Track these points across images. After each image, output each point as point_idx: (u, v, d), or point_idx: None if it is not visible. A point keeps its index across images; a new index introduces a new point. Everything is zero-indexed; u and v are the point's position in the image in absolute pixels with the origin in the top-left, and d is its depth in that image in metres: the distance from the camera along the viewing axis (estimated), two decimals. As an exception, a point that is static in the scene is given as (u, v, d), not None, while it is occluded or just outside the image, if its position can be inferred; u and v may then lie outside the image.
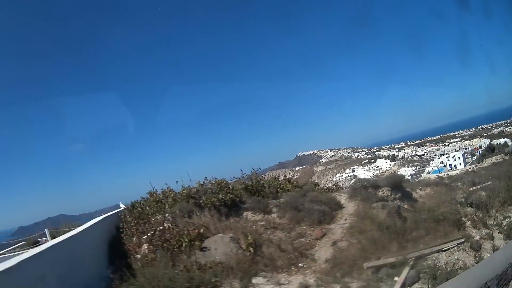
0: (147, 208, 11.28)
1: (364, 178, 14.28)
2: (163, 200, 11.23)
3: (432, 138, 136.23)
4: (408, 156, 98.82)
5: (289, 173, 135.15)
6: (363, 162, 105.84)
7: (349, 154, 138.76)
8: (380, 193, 10.81)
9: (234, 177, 14.20)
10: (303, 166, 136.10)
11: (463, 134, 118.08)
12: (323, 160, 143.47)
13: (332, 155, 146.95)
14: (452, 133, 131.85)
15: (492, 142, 57.38)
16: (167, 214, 9.98)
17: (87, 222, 9.58)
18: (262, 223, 9.81)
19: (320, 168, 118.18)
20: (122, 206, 15.99)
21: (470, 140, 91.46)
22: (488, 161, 25.99)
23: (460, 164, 59.15)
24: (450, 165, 60.74)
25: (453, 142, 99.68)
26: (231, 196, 10.49)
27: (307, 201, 10.37)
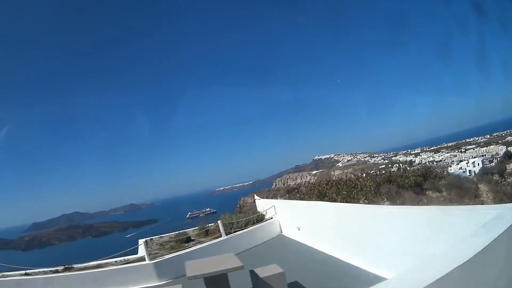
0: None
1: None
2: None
3: (448, 145, 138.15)
4: (426, 162, 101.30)
5: (306, 176, 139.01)
6: (380, 167, 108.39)
7: (365, 158, 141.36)
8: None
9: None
10: (320, 170, 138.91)
11: (478, 141, 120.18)
12: (340, 164, 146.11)
13: (349, 160, 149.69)
14: (468, 140, 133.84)
15: (509, 149, 60.26)
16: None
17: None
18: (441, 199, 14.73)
19: (337, 172, 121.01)
20: None
21: (486, 147, 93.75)
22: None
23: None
24: (470, 171, 63.73)
25: (469, 148, 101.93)
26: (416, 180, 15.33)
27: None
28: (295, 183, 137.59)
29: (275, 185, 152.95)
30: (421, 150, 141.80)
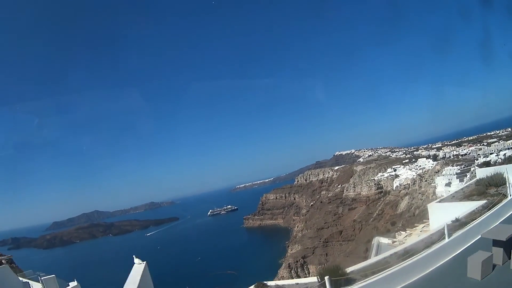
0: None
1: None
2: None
3: (469, 138, 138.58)
4: (449, 156, 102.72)
5: (328, 172, 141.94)
6: (403, 161, 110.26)
7: (386, 153, 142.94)
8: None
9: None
10: (342, 166, 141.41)
11: (500, 134, 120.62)
12: (361, 159, 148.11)
13: (370, 155, 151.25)
14: (488, 133, 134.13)
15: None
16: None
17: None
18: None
19: (359, 167, 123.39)
20: None
21: (509, 140, 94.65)
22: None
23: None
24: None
25: (492, 142, 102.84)
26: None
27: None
28: (317, 179, 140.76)
29: (297, 181, 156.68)
30: (441, 144, 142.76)
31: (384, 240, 22.44)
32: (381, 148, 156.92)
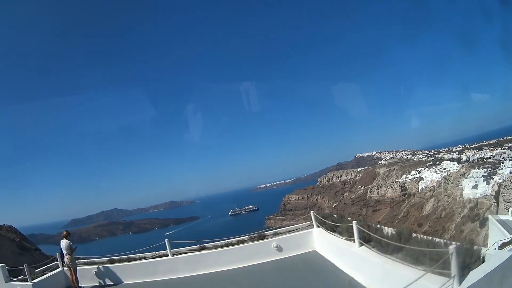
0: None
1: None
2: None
3: (490, 142, 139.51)
4: (473, 159, 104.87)
5: (351, 174, 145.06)
6: (427, 164, 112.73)
7: (408, 156, 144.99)
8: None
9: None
10: (365, 167, 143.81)
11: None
12: (382, 161, 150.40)
13: (391, 157, 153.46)
14: (508, 137, 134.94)
15: None
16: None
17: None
18: None
19: (382, 169, 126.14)
20: None
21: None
22: None
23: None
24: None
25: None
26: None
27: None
28: (339, 181, 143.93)
29: (320, 182, 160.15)
30: (462, 147, 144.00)
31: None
32: (402, 151, 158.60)
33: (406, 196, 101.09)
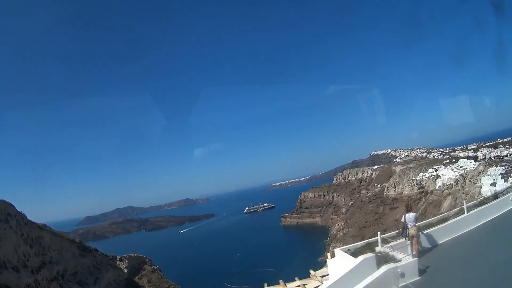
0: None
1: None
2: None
3: (504, 140, 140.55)
4: (490, 157, 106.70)
5: (367, 172, 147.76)
6: (444, 162, 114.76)
7: (423, 154, 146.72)
8: None
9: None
10: (381, 165, 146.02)
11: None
12: (397, 159, 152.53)
13: (406, 155, 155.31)
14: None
15: None
16: None
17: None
18: None
19: (399, 167, 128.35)
20: None
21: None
22: None
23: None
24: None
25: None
26: None
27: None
28: (356, 178, 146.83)
29: (336, 180, 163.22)
30: (477, 145, 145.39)
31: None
32: (417, 149, 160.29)
33: (423, 194, 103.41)
